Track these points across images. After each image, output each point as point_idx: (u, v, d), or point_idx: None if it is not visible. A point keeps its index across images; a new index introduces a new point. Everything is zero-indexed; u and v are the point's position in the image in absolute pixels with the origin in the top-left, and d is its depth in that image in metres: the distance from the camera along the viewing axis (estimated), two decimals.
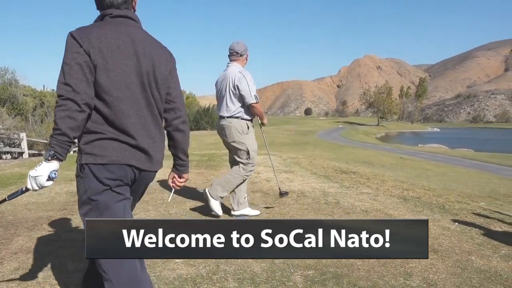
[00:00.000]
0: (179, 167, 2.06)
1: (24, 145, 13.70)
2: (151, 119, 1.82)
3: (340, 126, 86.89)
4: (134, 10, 1.86)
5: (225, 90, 4.01)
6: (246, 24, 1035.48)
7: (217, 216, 3.99)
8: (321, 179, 6.95)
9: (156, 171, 1.90)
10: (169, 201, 4.75)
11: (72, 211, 4.32)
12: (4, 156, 11.91)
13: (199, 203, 4.69)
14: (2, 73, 36.31)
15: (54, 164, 1.62)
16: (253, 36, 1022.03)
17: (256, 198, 5.16)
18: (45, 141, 17.71)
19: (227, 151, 4.37)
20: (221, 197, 4.03)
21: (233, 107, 3.99)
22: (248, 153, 4.04)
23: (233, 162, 4.23)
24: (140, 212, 4.30)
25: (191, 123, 58.05)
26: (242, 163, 4.08)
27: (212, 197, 3.97)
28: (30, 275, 2.63)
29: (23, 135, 13.87)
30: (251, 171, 4.13)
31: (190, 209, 4.52)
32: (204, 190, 4.10)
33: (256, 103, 3.97)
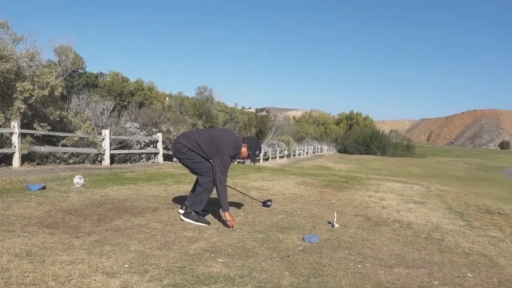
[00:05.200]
0: None
1: None
2: None
3: None
4: None
5: None
6: (438, 46, 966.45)
7: None
8: (450, 215, 6.13)
9: None
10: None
11: (175, 207, 4.90)
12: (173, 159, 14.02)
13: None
14: (202, 90, 42.86)
15: None
16: (448, 58, 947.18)
17: (355, 221, 4.93)
18: None
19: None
20: None
21: None
22: None
23: None
24: None
25: (361, 146, 56.16)
26: None
27: None
28: (99, 248, 3.15)
29: None
30: None
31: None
32: None
33: None
